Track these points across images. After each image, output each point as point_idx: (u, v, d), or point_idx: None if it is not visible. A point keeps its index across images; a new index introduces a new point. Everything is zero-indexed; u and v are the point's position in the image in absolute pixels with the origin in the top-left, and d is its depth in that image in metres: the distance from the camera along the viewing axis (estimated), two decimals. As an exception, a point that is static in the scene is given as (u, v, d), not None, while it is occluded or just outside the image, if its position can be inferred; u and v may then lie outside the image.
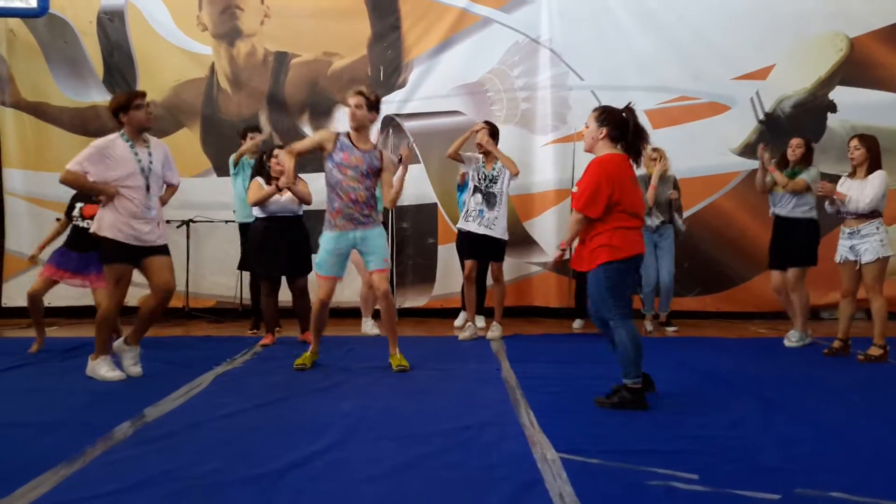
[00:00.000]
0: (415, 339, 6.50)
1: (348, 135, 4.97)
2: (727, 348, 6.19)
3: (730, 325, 7.50)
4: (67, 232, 5.88)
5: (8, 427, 3.53)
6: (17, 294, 7.56)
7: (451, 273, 7.61)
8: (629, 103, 4.21)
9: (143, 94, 4.76)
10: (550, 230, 7.98)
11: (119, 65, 7.96)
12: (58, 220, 6.13)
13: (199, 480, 2.79)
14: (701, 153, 7.87)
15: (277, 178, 5.82)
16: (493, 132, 6.45)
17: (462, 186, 7.02)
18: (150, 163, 4.69)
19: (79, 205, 5.78)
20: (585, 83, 7.95)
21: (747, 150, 7.96)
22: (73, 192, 5.67)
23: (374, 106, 4.98)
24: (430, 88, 8.00)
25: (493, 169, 6.39)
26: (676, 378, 4.80)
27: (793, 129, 7.82)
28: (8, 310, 7.75)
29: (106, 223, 4.58)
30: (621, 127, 4.11)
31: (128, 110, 4.62)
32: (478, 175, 6.43)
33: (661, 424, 3.63)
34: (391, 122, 8.01)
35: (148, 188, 4.66)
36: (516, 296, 7.72)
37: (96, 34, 7.94)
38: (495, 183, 6.37)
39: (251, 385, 4.50)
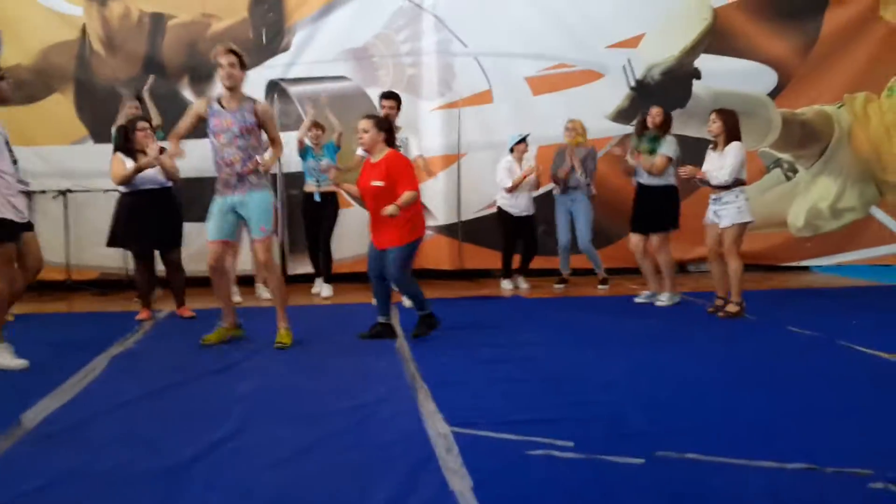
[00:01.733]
0: (307, 308, 6.64)
1: (219, 99, 4.91)
2: (604, 307, 6.66)
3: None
4: None
5: None
6: None
7: (340, 239, 7.69)
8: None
9: None
10: (439, 194, 8.21)
11: (-22, 26, 7.46)
12: None
13: (104, 477, 2.87)
14: (577, 118, 8.22)
15: (143, 152, 5.75)
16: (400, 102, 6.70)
17: (302, 153, 7.13)
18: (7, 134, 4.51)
19: None
20: (469, 50, 8.13)
21: (620, 116, 8.43)
22: None
23: (244, 64, 4.92)
24: (314, 53, 7.99)
25: (397, 141, 6.52)
26: (556, 341, 5.19)
27: (662, 95, 8.33)
28: None
29: None
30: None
31: None
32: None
33: (542, 391, 3.96)
34: (276, 87, 7.94)
35: (15, 161, 4.52)
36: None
37: (-48, -7, 7.42)
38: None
39: (146, 369, 4.53)
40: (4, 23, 7.46)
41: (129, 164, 5.85)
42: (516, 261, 7.60)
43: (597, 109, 8.31)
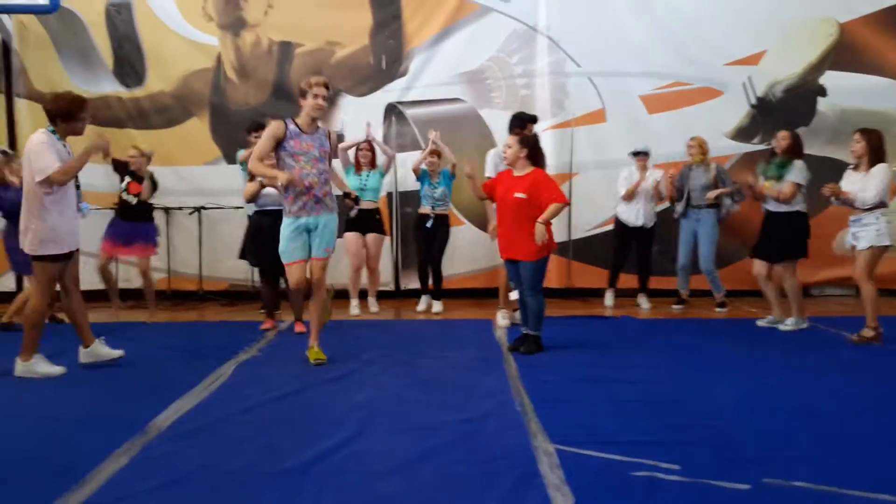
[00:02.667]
0: (418, 322, 6.84)
1: (294, 121, 5.01)
2: (717, 330, 6.52)
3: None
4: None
5: (51, 422, 3.85)
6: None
7: (451, 256, 7.86)
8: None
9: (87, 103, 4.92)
10: (549, 213, 8.24)
11: (128, 56, 8.19)
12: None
13: (232, 476, 3.11)
14: (699, 136, 8.09)
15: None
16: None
17: (420, 178, 7.36)
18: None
19: (127, 178, 6.81)
20: (582, 70, 8.18)
21: (740, 134, 8.24)
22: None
23: (332, 100, 5.09)
24: (430, 76, 8.24)
25: None
26: (667, 363, 5.14)
27: (784, 112, 8.11)
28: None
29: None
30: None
31: (69, 120, 4.74)
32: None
33: (650, 414, 3.94)
34: (393, 110, 8.24)
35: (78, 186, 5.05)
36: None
37: (105, 26, 8.16)
38: None
39: (269, 376, 4.82)
40: (150, 52, 8.19)
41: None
42: (628, 280, 7.56)
43: (716, 128, 8.16)
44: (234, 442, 3.53)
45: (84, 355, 5.07)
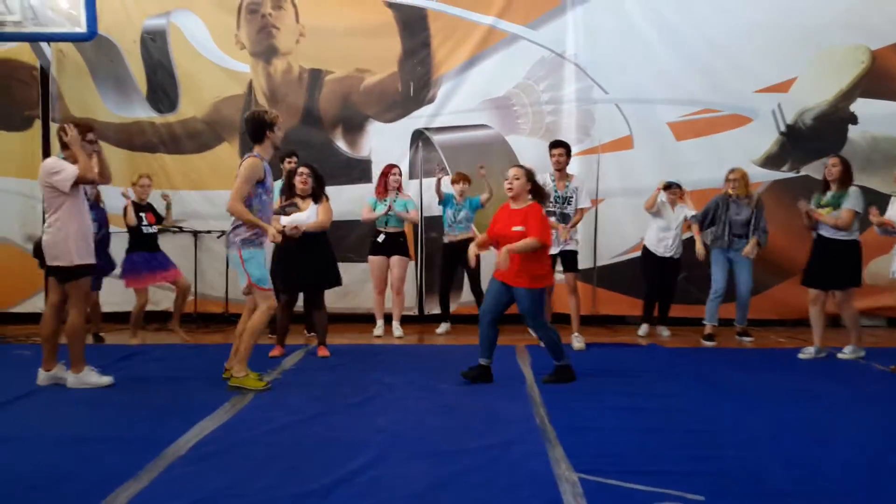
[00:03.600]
0: (442, 347, 6.83)
1: (262, 157, 5.09)
2: (746, 360, 6.41)
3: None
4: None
5: (76, 442, 3.89)
6: None
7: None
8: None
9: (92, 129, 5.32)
10: (578, 240, 8.20)
11: (162, 82, 8.34)
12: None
13: (254, 497, 3.11)
14: (724, 164, 7.94)
15: (303, 196, 6.20)
16: (568, 151, 7.01)
17: (442, 202, 7.43)
18: None
19: (142, 214, 6.98)
20: (609, 97, 8.18)
21: (769, 161, 8.16)
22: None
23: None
24: (458, 103, 8.28)
25: (567, 190, 6.76)
26: (694, 393, 5.06)
27: (814, 140, 8.04)
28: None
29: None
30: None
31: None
32: (550, 197, 6.77)
33: (676, 443, 3.88)
34: (420, 136, 8.30)
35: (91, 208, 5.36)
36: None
37: (140, 53, 8.32)
38: (569, 203, 6.80)
39: (292, 399, 4.82)
40: (183, 79, 8.34)
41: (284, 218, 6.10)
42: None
43: (744, 155, 8.07)
44: (257, 464, 3.53)
45: (43, 377, 5.19)
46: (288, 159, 7.13)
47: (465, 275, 7.63)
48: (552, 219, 6.84)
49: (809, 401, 4.87)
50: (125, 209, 7.07)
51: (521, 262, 5.11)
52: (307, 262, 6.19)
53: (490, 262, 7.65)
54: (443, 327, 7.65)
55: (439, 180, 7.41)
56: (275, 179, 6.98)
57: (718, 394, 5.04)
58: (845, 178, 6.21)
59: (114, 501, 3.05)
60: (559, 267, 6.89)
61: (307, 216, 6.18)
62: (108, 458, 3.61)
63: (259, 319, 5.15)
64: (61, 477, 3.35)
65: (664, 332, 7.37)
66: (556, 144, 6.93)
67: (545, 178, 6.90)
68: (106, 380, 5.15)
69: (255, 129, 5.12)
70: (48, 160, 5.16)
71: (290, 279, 6.24)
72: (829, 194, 6.24)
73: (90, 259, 5.10)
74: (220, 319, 8.12)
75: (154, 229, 7.12)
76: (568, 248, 6.88)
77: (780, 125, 8.15)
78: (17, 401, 4.77)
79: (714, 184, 7.78)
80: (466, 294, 7.80)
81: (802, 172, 8.12)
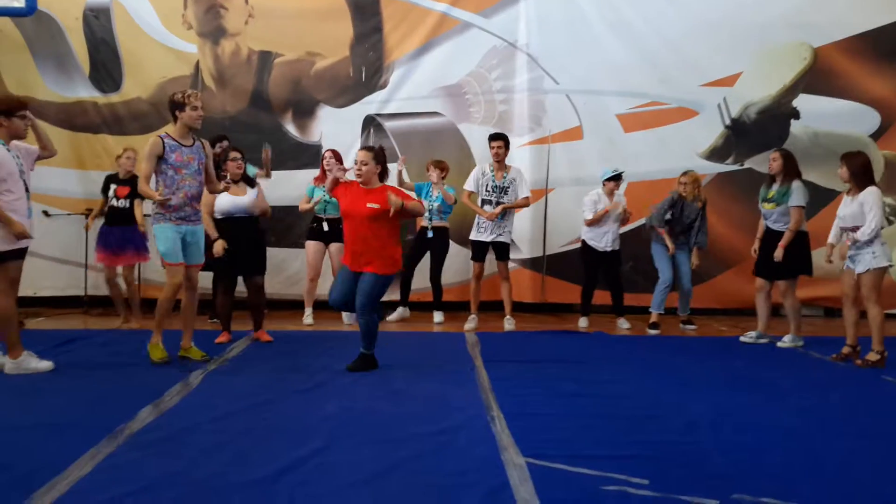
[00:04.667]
0: (393, 334, 6.82)
1: (170, 136, 5.28)
2: (690, 347, 6.56)
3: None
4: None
5: (11, 430, 3.76)
6: None
7: (421, 268, 7.79)
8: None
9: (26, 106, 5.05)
10: (525, 227, 8.28)
11: (105, 61, 8.10)
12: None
13: (200, 485, 3.07)
14: (670, 156, 8.20)
15: (236, 181, 6.15)
16: (507, 144, 7.12)
17: (416, 191, 7.41)
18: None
19: (112, 186, 6.82)
20: (560, 87, 8.24)
21: (714, 154, 8.34)
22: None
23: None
24: (410, 90, 8.24)
25: (504, 180, 6.85)
26: (639, 379, 5.16)
27: (758, 134, 8.24)
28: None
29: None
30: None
31: (10, 117, 4.86)
32: (488, 186, 6.85)
33: (621, 429, 3.96)
34: (372, 122, 8.25)
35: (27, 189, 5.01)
36: (490, 291, 7.95)
37: (82, 31, 8.07)
38: (506, 193, 6.86)
39: (239, 385, 4.77)
40: (127, 58, 8.12)
41: (221, 195, 6.04)
42: (602, 297, 7.59)
43: (690, 147, 8.25)
44: (203, 451, 3.48)
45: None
46: (219, 143, 6.97)
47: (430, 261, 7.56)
48: (486, 207, 6.96)
49: (749, 387, 5.01)
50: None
51: (377, 248, 5.14)
52: (246, 248, 6.14)
53: (455, 249, 7.71)
54: (399, 312, 7.59)
55: (399, 172, 7.34)
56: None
57: (662, 380, 5.15)
58: (788, 172, 6.38)
59: (52, 489, 2.97)
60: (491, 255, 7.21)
61: (248, 201, 6.17)
62: (48, 445, 3.51)
63: (163, 293, 5.42)
64: (-3, 465, 3.25)
65: (624, 324, 7.40)
66: (495, 137, 7.09)
67: (484, 167, 7.04)
68: (45, 364, 5.02)
69: (170, 108, 5.36)
70: None
71: (226, 264, 6.17)
72: (774, 188, 6.41)
73: (14, 244, 4.85)
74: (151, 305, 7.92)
75: (122, 203, 6.91)
76: (500, 239, 7.07)
77: (726, 119, 8.32)
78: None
79: (659, 175, 7.97)
80: (422, 281, 7.74)
81: (746, 165, 8.31)
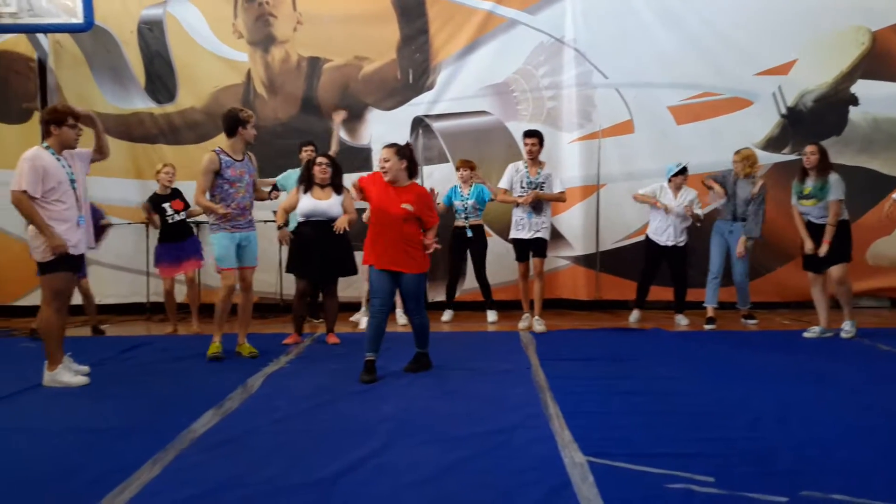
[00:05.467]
0: (445, 334, 6.83)
1: (224, 152, 5.64)
2: (751, 342, 6.41)
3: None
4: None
5: (84, 433, 3.89)
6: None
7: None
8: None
9: (77, 115, 5.05)
10: (577, 225, 8.23)
11: (159, 72, 8.30)
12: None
13: (263, 486, 3.12)
14: (725, 147, 7.97)
15: (322, 186, 6.21)
16: (541, 141, 7.01)
17: (448, 193, 7.52)
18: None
19: (165, 204, 6.98)
20: (610, 81, 8.15)
21: (770, 144, 8.15)
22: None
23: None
24: (457, 89, 8.25)
25: (539, 176, 6.82)
26: (699, 375, 5.07)
27: (815, 122, 8.02)
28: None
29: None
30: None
31: (61, 126, 4.90)
32: (522, 183, 6.83)
33: (683, 426, 3.89)
34: (420, 123, 8.28)
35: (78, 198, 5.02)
36: (545, 288, 7.92)
37: (137, 44, 8.28)
38: (541, 189, 6.84)
39: (298, 387, 4.83)
40: (181, 69, 8.31)
41: (305, 197, 6.21)
42: (660, 293, 7.47)
43: (745, 138, 8.03)
44: (264, 453, 3.54)
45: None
46: (305, 147, 7.18)
47: (471, 261, 7.60)
48: (525, 205, 6.90)
49: (815, 381, 4.88)
50: (146, 210, 7.15)
51: (407, 248, 5.10)
52: (324, 251, 6.19)
53: (494, 248, 7.70)
54: (447, 314, 7.65)
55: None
56: (294, 168, 7.11)
57: (723, 376, 5.04)
58: (824, 166, 6.27)
59: (124, 491, 3.06)
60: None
61: (329, 205, 6.20)
62: (117, 449, 3.62)
63: (218, 296, 5.80)
64: (71, 468, 3.35)
65: (682, 320, 7.27)
66: (529, 134, 7.04)
67: (518, 164, 7.03)
68: (79, 380, 4.98)
69: (229, 125, 5.67)
70: (28, 151, 4.89)
71: (307, 267, 6.28)
72: (810, 184, 6.29)
73: (54, 254, 4.84)
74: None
75: (181, 216, 7.11)
76: (538, 235, 6.98)
77: (781, 108, 8.13)
78: (24, 392, 4.78)
79: (714, 167, 7.78)
80: (470, 281, 7.77)
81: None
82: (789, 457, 3.41)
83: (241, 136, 5.65)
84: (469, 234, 7.40)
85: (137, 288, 8.23)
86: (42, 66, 8.28)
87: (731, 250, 7.13)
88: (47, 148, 4.90)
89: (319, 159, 6.29)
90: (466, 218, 7.41)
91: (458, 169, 7.50)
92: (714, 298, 7.19)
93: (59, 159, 4.91)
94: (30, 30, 7.77)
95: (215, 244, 5.71)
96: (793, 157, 8.11)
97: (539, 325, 6.97)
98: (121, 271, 8.27)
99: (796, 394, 4.54)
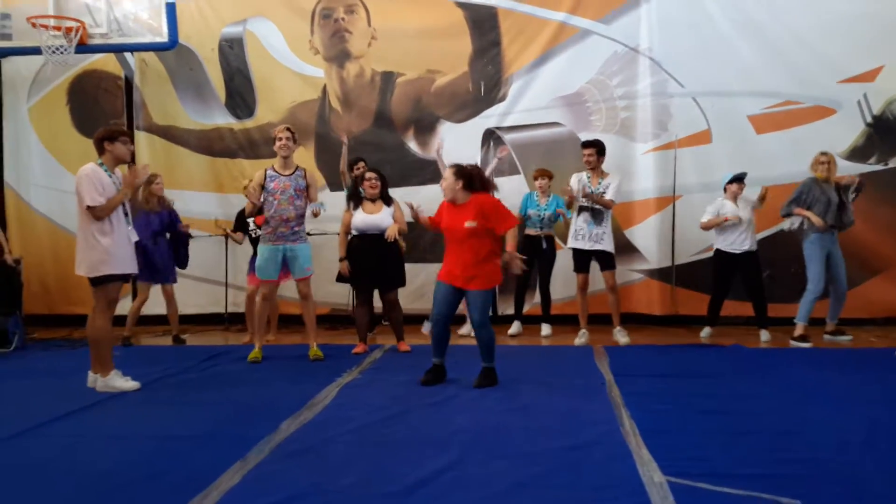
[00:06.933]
0: (516, 348, 6.79)
1: (273, 167, 6.10)
2: (837, 360, 6.16)
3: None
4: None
5: (167, 440, 4.01)
6: (154, 303, 7.96)
7: (552, 281, 7.73)
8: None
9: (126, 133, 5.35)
10: (652, 237, 8.09)
11: (239, 88, 8.56)
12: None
13: (341, 494, 3.15)
14: (807, 157, 7.72)
15: (372, 200, 6.38)
16: (599, 151, 6.93)
17: (524, 202, 7.54)
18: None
19: (249, 220, 7.08)
20: (686, 90, 8.00)
21: (855, 154, 7.85)
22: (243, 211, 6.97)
23: (296, 139, 6.24)
24: (529, 101, 8.24)
25: (599, 185, 6.72)
26: (781, 394, 4.90)
27: (903, 131, 7.68)
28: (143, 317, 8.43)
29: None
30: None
31: (114, 142, 5.12)
32: (584, 193, 6.77)
33: (765, 446, 3.76)
34: (492, 136, 8.29)
35: (126, 213, 5.23)
36: (605, 304, 7.78)
37: (218, 61, 8.56)
38: None
39: (372, 397, 4.87)
40: (260, 85, 8.54)
41: (357, 213, 6.42)
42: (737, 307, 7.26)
43: (829, 147, 7.67)
44: (341, 462, 3.58)
45: (92, 380, 5.24)
46: (356, 165, 7.30)
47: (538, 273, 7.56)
48: (583, 213, 6.86)
49: (906, 403, 4.65)
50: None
51: (475, 265, 5.10)
52: (373, 262, 6.40)
53: (556, 261, 7.62)
54: (515, 327, 7.60)
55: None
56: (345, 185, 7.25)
57: (807, 395, 4.85)
58: None
59: (207, 497, 3.14)
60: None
61: (380, 218, 6.39)
62: (199, 455, 3.71)
63: (256, 307, 6.42)
64: (156, 473, 3.46)
65: (765, 335, 7.03)
66: (586, 144, 7.00)
67: (581, 174, 7.00)
68: (132, 385, 5.18)
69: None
70: (84, 167, 5.09)
71: (362, 279, 6.52)
72: None
73: (107, 270, 5.05)
74: (298, 321, 8.22)
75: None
76: (599, 247, 6.88)
77: (867, 116, 7.83)
78: (110, 400, 4.95)
79: (797, 177, 7.51)
80: (553, 293, 7.71)
81: (891, 165, 7.79)
82: (879, 480, 3.26)
83: (279, 154, 6.10)
84: (545, 244, 7.36)
85: (216, 298, 8.46)
86: (129, 83, 8.64)
87: (833, 264, 6.83)
88: (101, 165, 5.13)
89: (368, 174, 6.48)
90: (542, 228, 7.37)
91: (535, 178, 7.47)
92: (808, 317, 6.85)
93: (111, 176, 5.13)
94: (118, 49, 8.14)
95: (259, 255, 6.21)
96: (879, 167, 7.80)
97: (623, 337, 6.90)
98: (201, 282, 8.52)
99: (886, 415, 4.33)
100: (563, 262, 7.93)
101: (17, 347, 7.09)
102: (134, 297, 7.76)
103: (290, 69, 8.49)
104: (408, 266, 8.12)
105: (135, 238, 5.30)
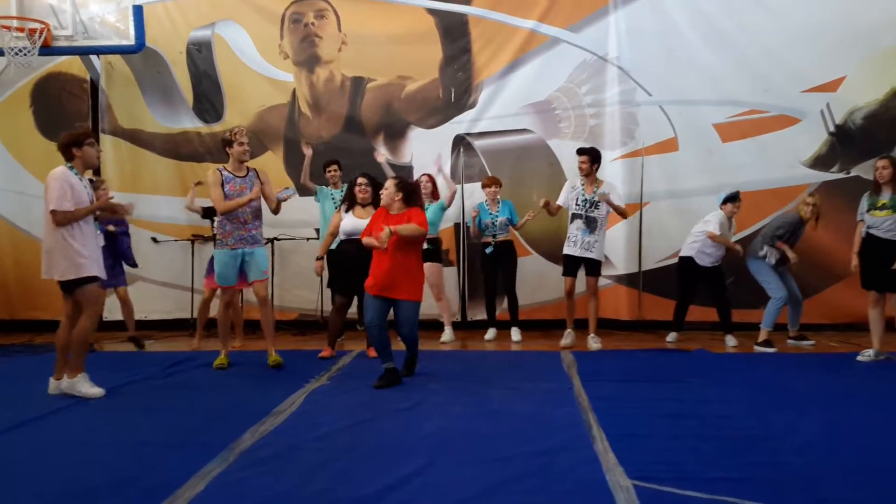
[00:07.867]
0: (484, 353, 6.80)
1: (226, 168, 6.00)
2: (799, 365, 6.27)
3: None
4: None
5: (132, 446, 3.94)
6: (115, 308, 7.80)
7: (519, 287, 7.76)
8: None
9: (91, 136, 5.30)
10: (620, 243, 8.16)
11: (207, 92, 8.48)
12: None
13: (309, 501, 3.13)
14: (772, 165, 7.96)
15: (364, 205, 6.31)
16: (593, 158, 6.97)
17: (476, 218, 7.53)
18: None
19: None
20: (654, 98, 8.10)
21: (818, 163, 8.01)
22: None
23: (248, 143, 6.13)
24: (499, 108, 8.29)
25: (594, 194, 6.76)
26: (746, 398, 4.96)
27: (865, 140, 7.86)
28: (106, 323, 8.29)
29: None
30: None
31: (82, 147, 5.08)
32: (577, 200, 6.82)
33: (730, 450, 3.80)
34: (462, 141, 8.31)
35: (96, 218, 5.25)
36: (585, 308, 7.86)
37: (186, 64, 8.48)
38: (596, 208, 6.78)
39: (340, 404, 4.85)
40: (228, 89, 8.47)
41: (347, 216, 6.35)
42: (702, 313, 7.35)
43: (792, 156, 7.97)
44: (309, 469, 3.55)
45: (55, 387, 5.18)
46: (328, 168, 7.25)
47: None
48: (576, 221, 6.86)
49: (867, 407, 4.74)
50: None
51: (401, 275, 5.32)
52: (357, 266, 6.24)
53: (526, 266, 7.68)
54: (490, 333, 7.61)
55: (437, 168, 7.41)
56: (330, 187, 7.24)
57: (771, 399, 4.93)
58: None
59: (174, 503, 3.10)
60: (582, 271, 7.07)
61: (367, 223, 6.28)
62: (164, 462, 3.66)
63: (217, 313, 6.24)
64: (120, 480, 3.40)
65: (731, 341, 7.14)
66: (580, 152, 7.03)
67: (575, 181, 7.01)
68: (97, 391, 5.10)
69: (222, 145, 6.15)
70: (54, 171, 5.06)
71: (345, 283, 6.43)
72: (886, 196, 6.14)
73: (93, 270, 5.05)
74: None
75: None
76: (589, 255, 6.92)
77: (829, 125, 7.98)
78: (74, 406, 4.87)
79: (762, 185, 7.70)
80: (522, 298, 7.73)
81: (853, 173, 7.95)
82: (842, 483, 3.31)
83: (232, 155, 5.98)
84: (488, 250, 7.37)
85: (181, 304, 8.36)
86: (94, 86, 8.52)
87: (782, 274, 7.01)
88: (71, 168, 5.08)
89: (360, 180, 6.42)
90: (494, 235, 7.39)
91: (484, 186, 7.49)
92: (773, 322, 7.00)
93: (81, 180, 5.10)
94: (84, 52, 8.01)
95: (216, 261, 6.07)
96: (841, 175, 7.96)
97: (595, 344, 6.97)
98: (166, 287, 8.42)
99: (847, 419, 4.41)
100: (532, 268, 8.00)
101: (-25, 353, 6.94)
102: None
103: (258, 73, 8.44)
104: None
105: (101, 242, 5.26)
